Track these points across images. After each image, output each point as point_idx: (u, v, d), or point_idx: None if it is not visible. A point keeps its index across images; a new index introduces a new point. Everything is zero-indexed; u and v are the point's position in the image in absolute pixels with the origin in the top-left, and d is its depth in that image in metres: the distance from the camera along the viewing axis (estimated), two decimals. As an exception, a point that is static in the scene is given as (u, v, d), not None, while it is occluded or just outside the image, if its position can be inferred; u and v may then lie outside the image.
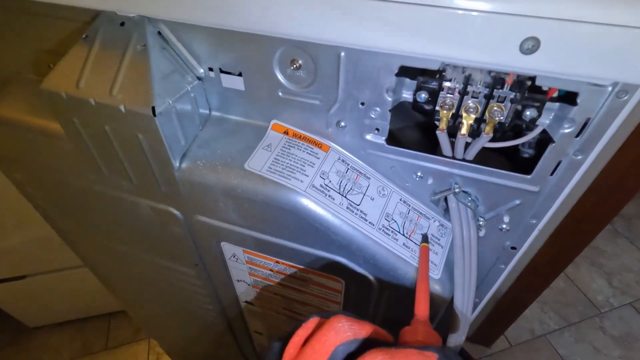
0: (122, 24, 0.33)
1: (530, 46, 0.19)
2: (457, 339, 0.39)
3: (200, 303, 0.59)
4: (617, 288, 1.54)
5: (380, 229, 0.34)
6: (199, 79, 0.35)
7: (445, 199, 0.35)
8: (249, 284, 0.48)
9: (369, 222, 0.34)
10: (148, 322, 0.84)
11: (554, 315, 1.46)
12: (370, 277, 0.36)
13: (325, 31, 0.26)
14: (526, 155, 0.35)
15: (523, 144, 0.33)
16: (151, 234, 0.47)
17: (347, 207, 0.33)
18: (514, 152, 0.35)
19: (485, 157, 0.33)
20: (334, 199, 0.33)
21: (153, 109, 0.30)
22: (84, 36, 0.33)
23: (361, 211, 0.34)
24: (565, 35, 0.19)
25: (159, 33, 0.33)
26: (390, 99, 0.30)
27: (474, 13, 0.20)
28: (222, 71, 0.34)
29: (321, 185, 0.33)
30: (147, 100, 0.30)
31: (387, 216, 0.35)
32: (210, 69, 0.34)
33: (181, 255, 0.49)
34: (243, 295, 0.51)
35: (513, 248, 0.36)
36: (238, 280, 0.48)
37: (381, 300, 0.39)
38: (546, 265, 0.99)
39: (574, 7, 0.18)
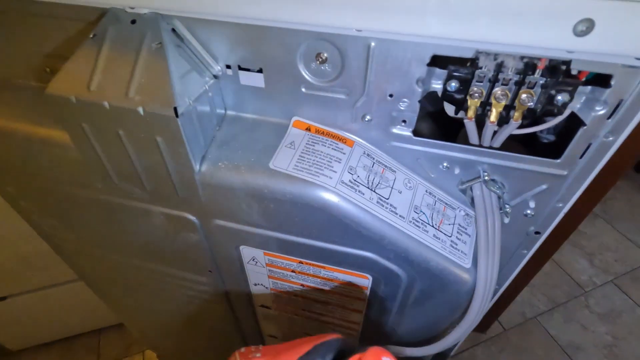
0: (134, 21, 0.31)
1: (584, 28, 0.20)
2: (470, 324, 0.39)
3: (210, 310, 0.57)
4: (598, 267, 1.61)
5: (410, 221, 0.34)
6: (215, 77, 0.34)
7: (471, 188, 0.35)
8: (266, 287, 0.47)
9: (400, 216, 0.33)
10: (149, 335, 0.81)
11: (542, 297, 1.51)
12: (400, 271, 0.36)
13: (356, 19, 0.25)
14: (545, 141, 0.36)
15: (542, 130, 0.34)
16: (162, 242, 0.45)
17: (377, 202, 0.33)
18: (532, 138, 0.36)
19: (505, 145, 0.33)
20: (363, 194, 0.33)
21: (175, 109, 0.29)
22: (91, 35, 0.31)
23: (391, 205, 0.33)
24: (618, 16, 0.19)
25: (173, 30, 0.31)
26: (420, 90, 0.30)
27: (529, -4, 0.20)
28: (240, 68, 0.33)
29: (350, 181, 0.33)
30: (168, 100, 0.29)
31: (416, 208, 0.34)
32: (228, 66, 0.33)
33: (194, 263, 0.47)
34: (259, 299, 0.50)
35: (537, 233, 0.37)
36: (255, 284, 0.47)
37: (409, 294, 0.39)
38: (538, 249, 1.02)
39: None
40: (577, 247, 1.69)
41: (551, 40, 0.21)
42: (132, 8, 0.30)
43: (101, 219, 0.44)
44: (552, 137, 0.35)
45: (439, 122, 0.38)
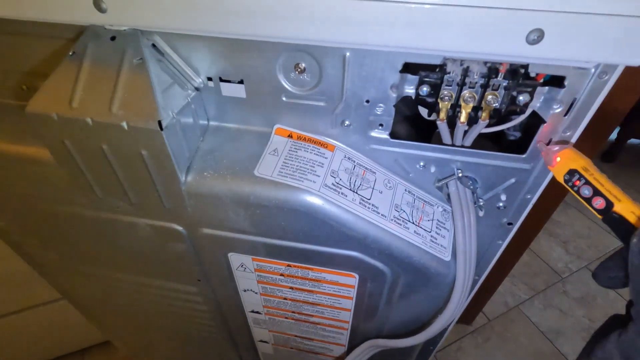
0: (113, 38, 0.31)
1: (536, 37, 0.22)
2: (451, 316, 0.40)
3: (200, 320, 0.58)
4: (573, 254, 1.68)
5: (392, 219, 0.35)
6: (197, 89, 0.34)
7: (447, 185, 0.38)
8: (256, 292, 0.47)
9: (382, 215, 0.35)
10: (137, 349, 0.80)
11: (523, 286, 1.57)
12: (384, 267, 0.38)
13: (332, 34, 0.26)
14: (512, 138, 0.38)
15: (509, 128, 0.36)
16: (148, 255, 0.45)
17: (360, 202, 0.34)
18: (501, 136, 0.38)
19: (476, 143, 0.36)
20: (346, 196, 0.34)
21: (160, 123, 0.29)
22: (70, 53, 0.31)
23: (373, 205, 0.35)
24: (565, 25, 0.21)
25: (153, 45, 0.32)
26: (394, 95, 0.32)
27: (485, 9, 0.22)
28: (221, 80, 0.34)
29: (333, 184, 0.34)
30: (152, 114, 0.30)
31: (397, 207, 0.36)
32: (209, 79, 0.34)
33: (182, 273, 0.47)
34: (249, 305, 0.51)
35: (509, 224, 0.39)
36: (245, 290, 0.47)
37: (394, 289, 0.40)
38: (516, 241, 1.07)
39: (574, 0, 0.20)
40: (552, 236, 1.77)
41: (508, 48, 0.23)
42: (111, 25, 0.31)
43: (85, 235, 0.44)
44: (518, 134, 0.38)
45: (415, 124, 0.40)
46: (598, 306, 1.45)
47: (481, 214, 0.38)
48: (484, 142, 0.38)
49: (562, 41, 0.22)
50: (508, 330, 1.43)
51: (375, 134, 0.35)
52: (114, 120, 0.30)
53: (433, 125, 0.39)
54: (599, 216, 0.28)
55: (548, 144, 0.32)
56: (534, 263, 1.66)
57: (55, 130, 0.32)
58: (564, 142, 0.32)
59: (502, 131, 0.36)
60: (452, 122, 0.33)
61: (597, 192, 0.28)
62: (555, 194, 0.92)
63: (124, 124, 0.30)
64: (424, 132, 0.39)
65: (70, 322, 1.09)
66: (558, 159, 0.30)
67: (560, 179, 0.30)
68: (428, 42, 0.24)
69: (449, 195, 0.37)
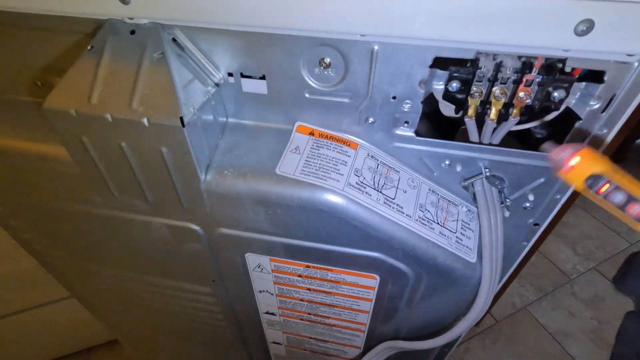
0: (133, 32, 0.30)
1: (585, 28, 0.21)
2: (476, 318, 0.39)
3: (212, 321, 0.57)
4: (581, 255, 1.66)
5: (417, 220, 0.34)
6: (217, 85, 0.34)
7: (472, 184, 0.36)
8: (272, 294, 0.46)
9: (407, 215, 0.34)
10: (145, 350, 0.79)
11: (530, 287, 1.55)
12: (407, 269, 0.37)
13: (360, 25, 0.25)
14: (539, 136, 0.37)
15: (535, 126, 0.35)
16: (163, 255, 0.44)
17: (385, 202, 0.33)
18: (527, 134, 0.37)
19: (502, 141, 0.35)
20: (371, 195, 0.33)
21: (182, 119, 0.29)
22: (89, 47, 0.31)
23: (397, 204, 0.34)
24: (615, 16, 0.20)
25: (174, 40, 0.31)
26: (422, 91, 0.31)
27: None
28: (243, 76, 0.33)
29: (357, 183, 0.33)
30: (173, 110, 0.29)
31: (421, 207, 0.35)
32: (230, 74, 0.33)
33: (196, 274, 0.46)
34: (264, 306, 0.50)
35: (536, 225, 0.38)
36: (260, 291, 0.46)
37: (416, 291, 0.39)
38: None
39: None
40: (560, 237, 1.75)
41: (554, 40, 0.22)
42: (131, 19, 0.30)
43: (99, 234, 0.43)
44: (544, 132, 0.37)
45: (434, 122, 0.39)
46: (607, 308, 1.44)
47: (507, 214, 0.37)
48: (510, 140, 0.37)
49: (612, 32, 0.21)
50: (516, 331, 1.41)
51: (400, 131, 0.34)
52: (134, 116, 0.29)
53: (455, 123, 0.38)
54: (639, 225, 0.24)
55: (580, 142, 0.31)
56: (542, 264, 1.64)
57: (73, 127, 0.31)
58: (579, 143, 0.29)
59: (528, 129, 0.35)
60: (480, 119, 0.32)
61: (632, 198, 0.24)
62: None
63: (145, 121, 0.29)
64: (445, 130, 0.38)
65: (76, 321, 1.09)
66: (576, 159, 0.25)
67: (580, 186, 0.25)
68: (470, 34, 0.23)
69: (474, 194, 0.36)
